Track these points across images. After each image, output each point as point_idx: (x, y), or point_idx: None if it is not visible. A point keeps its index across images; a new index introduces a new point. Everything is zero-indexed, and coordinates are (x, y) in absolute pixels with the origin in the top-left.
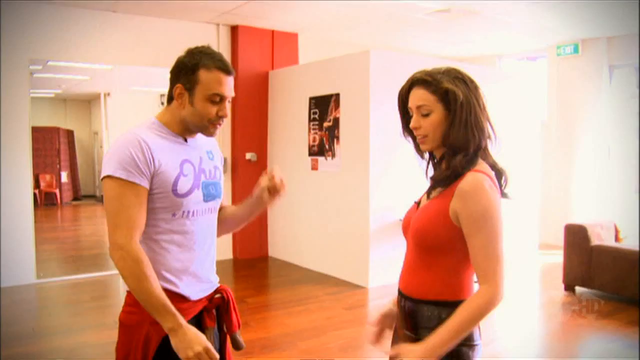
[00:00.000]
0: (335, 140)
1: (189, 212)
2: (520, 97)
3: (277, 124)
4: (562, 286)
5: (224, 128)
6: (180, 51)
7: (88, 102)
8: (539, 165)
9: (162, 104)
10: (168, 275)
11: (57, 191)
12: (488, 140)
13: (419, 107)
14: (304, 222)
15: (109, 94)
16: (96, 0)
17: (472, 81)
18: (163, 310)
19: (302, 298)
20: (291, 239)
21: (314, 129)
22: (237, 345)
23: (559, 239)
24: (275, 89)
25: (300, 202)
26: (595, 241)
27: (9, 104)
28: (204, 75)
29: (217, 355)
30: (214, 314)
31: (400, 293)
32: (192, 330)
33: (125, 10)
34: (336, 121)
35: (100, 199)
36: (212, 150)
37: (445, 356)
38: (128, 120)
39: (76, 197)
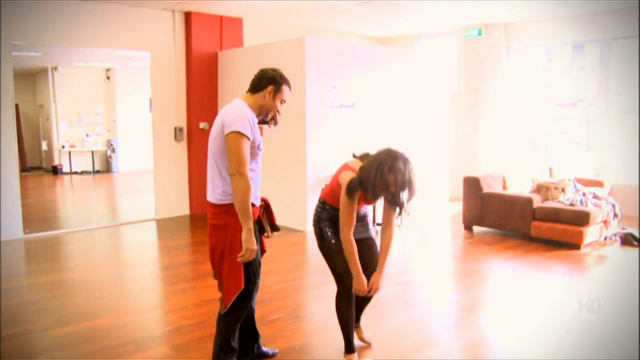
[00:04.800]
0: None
1: (259, 159)
2: (434, 72)
3: (226, 97)
4: (463, 226)
5: (180, 101)
6: (139, 34)
7: (33, 76)
8: (450, 129)
9: (108, 78)
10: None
11: None
12: None
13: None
14: None
15: (56, 68)
16: None
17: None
18: (251, 216)
19: None
20: None
21: None
22: (276, 229)
23: None
24: (224, 67)
25: None
26: (486, 189)
27: None
28: (284, 88)
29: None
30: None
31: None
32: (255, 234)
33: None
34: None
35: (47, 170)
36: None
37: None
38: (74, 93)
39: (24, 169)
